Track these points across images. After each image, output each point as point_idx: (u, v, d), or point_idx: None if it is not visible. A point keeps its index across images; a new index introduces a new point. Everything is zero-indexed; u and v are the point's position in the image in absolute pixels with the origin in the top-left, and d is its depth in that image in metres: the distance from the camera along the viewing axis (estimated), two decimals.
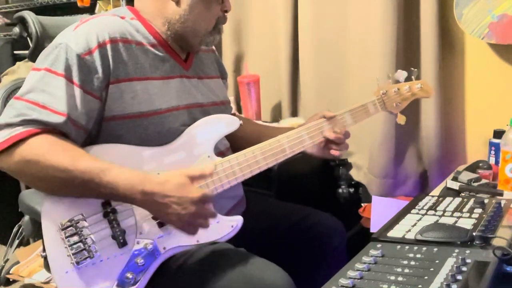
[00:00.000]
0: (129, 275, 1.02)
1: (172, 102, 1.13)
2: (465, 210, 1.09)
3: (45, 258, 1.03)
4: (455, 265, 0.80)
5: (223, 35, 1.27)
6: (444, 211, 1.10)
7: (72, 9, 2.63)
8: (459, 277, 0.76)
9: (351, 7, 1.92)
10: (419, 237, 0.94)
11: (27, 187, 1.64)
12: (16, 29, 1.80)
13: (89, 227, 1.02)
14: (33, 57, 1.58)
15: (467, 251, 0.86)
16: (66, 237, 1.00)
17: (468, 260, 0.82)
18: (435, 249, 0.88)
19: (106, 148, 1.07)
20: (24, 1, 2.89)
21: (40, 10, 2.69)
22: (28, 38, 1.66)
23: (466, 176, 1.45)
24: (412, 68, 1.39)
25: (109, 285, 1.01)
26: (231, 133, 1.18)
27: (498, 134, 1.58)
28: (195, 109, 1.18)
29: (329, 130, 1.27)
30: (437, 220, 1.05)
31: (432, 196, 1.24)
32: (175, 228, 1.04)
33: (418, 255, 0.87)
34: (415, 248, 0.90)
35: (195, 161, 1.11)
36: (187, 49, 1.22)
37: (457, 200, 1.17)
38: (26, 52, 1.71)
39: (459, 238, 0.91)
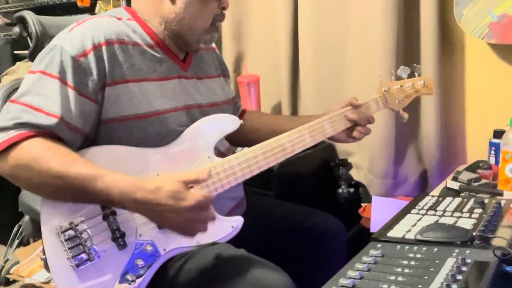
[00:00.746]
0: (129, 277, 1.02)
1: (170, 103, 1.13)
2: (465, 210, 1.09)
3: (45, 260, 1.03)
4: (455, 265, 0.80)
5: (223, 35, 1.27)
6: (444, 211, 1.10)
7: (72, 9, 2.63)
8: (459, 277, 0.76)
9: (351, 7, 1.92)
10: (419, 237, 0.94)
11: None
12: (16, 29, 1.80)
13: (89, 230, 1.01)
14: (33, 57, 1.56)
15: (467, 251, 0.86)
16: (66, 240, 1.00)
17: (468, 260, 0.82)
18: (435, 249, 0.88)
19: (104, 150, 1.07)
20: (24, 1, 2.89)
21: (40, 10, 2.69)
22: (28, 38, 1.66)
23: (466, 176, 1.45)
24: (415, 64, 1.38)
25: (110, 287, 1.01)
26: (244, 128, 1.17)
27: (498, 134, 1.58)
28: (194, 110, 1.18)
29: (352, 112, 1.29)
30: (437, 220, 1.05)
31: (432, 196, 1.24)
32: (174, 232, 1.03)
33: (418, 255, 0.87)
34: (415, 248, 0.90)
35: (195, 161, 1.11)
36: (185, 48, 1.21)
37: (457, 200, 1.17)
38: (26, 52, 1.71)
39: (459, 238, 0.91)
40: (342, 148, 2.06)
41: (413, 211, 1.13)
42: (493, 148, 1.63)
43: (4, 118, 0.99)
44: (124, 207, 1.01)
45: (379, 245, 0.92)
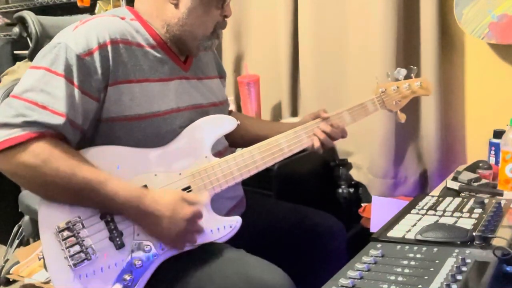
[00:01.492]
0: (127, 277, 1.02)
1: (171, 104, 1.13)
2: (465, 210, 1.09)
3: (44, 259, 1.03)
4: (455, 265, 0.80)
5: (223, 35, 1.27)
6: (444, 211, 1.10)
7: (72, 9, 2.63)
8: (459, 277, 0.76)
9: (351, 7, 1.92)
10: (419, 237, 0.94)
11: None
12: (16, 29, 1.80)
13: (86, 229, 1.01)
14: (33, 57, 1.56)
15: (467, 251, 0.86)
16: (63, 240, 0.99)
17: (468, 260, 0.82)
18: (435, 249, 0.88)
19: (104, 150, 1.06)
20: (24, 1, 2.89)
21: (40, 10, 2.69)
22: (28, 38, 1.66)
23: (466, 176, 1.45)
24: (412, 66, 1.39)
25: (107, 287, 1.01)
26: (232, 132, 1.18)
27: (498, 134, 1.58)
28: (195, 110, 1.18)
29: (325, 124, 1.28)
30: (437, 220, 1.05)
31: (432, 196, 1.24)
32: (163, 244, 1.05)
33: (418, 255, 0.87)
34: (415, 248, 0.90)
35: (192, 162, 1.11)
36: (186, 52, 1.22)
37: (457, 200, 1.17)
38: (26, 52, 1.70)
39: (459, 238, 0.91)
40: (342, 148, 2.06)
41: (413, 211, 1.12)
42: (493, 148, 1.63)
43: (7, 113, 0.97)
44: (125, 213, 1.02)
45: (379, 245, 0.92)
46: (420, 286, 0.75)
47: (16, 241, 2.36)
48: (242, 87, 2.15)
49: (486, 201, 1.12)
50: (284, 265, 1.06)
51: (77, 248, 1.00)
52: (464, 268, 0.79)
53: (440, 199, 1.20)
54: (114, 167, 1.05)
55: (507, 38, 1.62)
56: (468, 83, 1.81)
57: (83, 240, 1.00)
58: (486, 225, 0.97)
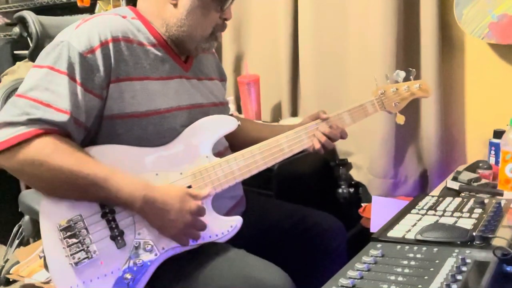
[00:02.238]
0: (128, 276, 1.02)
1: (172, 102, 1.13)
2: (465, 210, 1.09)
3: (45, 258, 1.03)
4: (455, 265, 0.80)
5: (223, 35, 1.27)
6: (444, 211, 1.10)
7: (72, 9, 2.63)
8: (459, 277, 0.76)
9: (351, 7, 1.92)
10: (419, 237, 0.94)
11: (27, 187, 1.64)
12: (16, 29, 1.81)
13: (88, 228, 1.02)
14: (33, 57, 1.58)
15: (467, 251, 0.86)
16: (65, 238, 1.00)
17: (468, 260, 0.82)
18: (435, 249, 0.88)
19: (105, 149, 1.07)
20: (24, 1, 2.89)
21: (40, 10, 2.69)
22: (28, 38, 1.66)
23: (466, 176, 1.45)
24: (410, 68, 1.40)
25: (108, 286, 1.01)
26: (231, 133, 1.18)
27: (498, 134, 1.58)
28: (195, 110, 1.18)
29: (325, 125, 1.28)
30: (437, 220, 1.05)
31: (432, 196, 1.24)
32: (167, 237, 1.05)
33: (418, 255, 0.87)
34: (415, 248, 0.90)
35: (193, 161, 1.12)
36: (184, 53, 1.22)
37: (457, 200, 1.17)
38: (26, 52, 1.71)
39: (459, 238, 0.91)
40: (342, 148, 2.06)
41: (413, 211, 1.12)
42: (493, 148, 1.63)
43: (12, 113, 0.99)
44: (131, 206, 1.02)
45: (379, 245, 0.92)
46: (420, 286, 0.75)
47: (16, 241, 2.36)
48: (242, 87, 2.15)
49: (486, 201, 1.12)
50: (284, 265, 1.06)
51: (78, 246, 1.00)
52: (464, 268, 0.79)
53: (440, 199, 1.20)
54: (117, 166, 1.05)
55: (507, 38, 1.62)
56: (468, 83, 1.81)
57: (84, 239, 1.01)
58: (486, 225, 0.97)
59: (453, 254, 0.85)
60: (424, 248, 0.89)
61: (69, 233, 1.00)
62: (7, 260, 2.40)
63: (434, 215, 1.08)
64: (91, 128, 1.07)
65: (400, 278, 0.78)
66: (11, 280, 2.40)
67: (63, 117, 1.00)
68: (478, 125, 1.81)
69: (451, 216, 1.07)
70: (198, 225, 1.06)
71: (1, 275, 2.39)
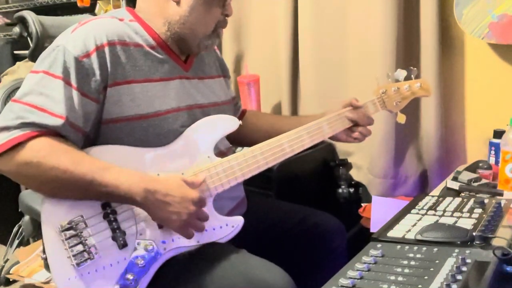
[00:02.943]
0: (130, 276, 1.02)
1: (172, 103, 1.13)
2: (465, 210, 1.09)
3: (45, 259, 1.03)
4: (455, 265, 0.80)
5: (223, 35, 1.27)
6: (444, 211, 1.10)
7: (72, 9, 2.63)
8: (459, 277, 0.76)
9: (351, 7, 1.92)
10: (419, 237, 0.94)
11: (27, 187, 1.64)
12: (16, 29, 1.80)
13: (89, 229, 1.02)
14: (33, 57, 1.58)
15: (467, 251, 0.86)
16: (66, 239, 1.00)
17: (468, 260, 0.82)
18: (435, 249, 0.88)
19: (105, 150, 1.07)
20: (24, 1, 2.89)
21: (40, 10, 2.68)
22: (28, 38, 1.66)
23: (466, 176, 1.45)
24: (412, 67, 1.40)
25: (110, 287, 1.01)
26: (252, 129, 1.18)
27: (498, 134, 1.58)
28: (196, 110, 1.18)
29: (352, 112, 1.31)
30: (437, 220, 1.05)
31: (432, 196, 1.24)
32: (172, 229, 1.05)
33: (418, 255, 0.87)
34: (415, 248, 0.90)
35: (194, 161, 1.12)
36: (186, 51, 1.22)
37: (457, 200, 1.17)
38: (26, 52, 1.71)
39: (459, 238, 0.91)
40: (342, 148, 2.06)
41: (413, 211, 1.13)
42: (493, 148, 1.63)
43: (7, 117, 0.99)
44: (132, 199, 1.01)
45: (379, 245, 0.92)
46: (420, 286, 0.75)
47: (16, 241, 2.36)
48: (242, 87, 2.15)
49: (486, 201, 1.12)
50: (285, 265, 1.06)
51: (80, 247, 1.00)
52: (464, 268, 0.79)
53: (440, 199, 1.20)
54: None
55: (507, 38, 1.62)
56: (468, 83, 1.81)
57: (86, 240, 1.01)
58: (486, 225, 0.97)
59: (453, 254, 0.86)
60: (424, 248, 0.89)
61: (70, 234, 1.00)
62: (7, 260, 2.40)
63: (434, 215, 1.08)
64: (89, 133, 1.07)
65: (400, 278, 0.78)
66: (11, 280, 2.40)
67: (57, 122, 1.00)
68: (478, 125, 1.81)
69: (451, 216, 1.07)
70: (201, 216, 1.06)
71: (1, 275, 2.39)
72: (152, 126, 1.09)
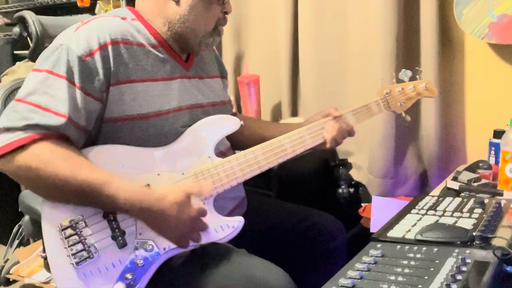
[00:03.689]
0: (129, 276, 1.02)
1: (173, 103, 1.13)
2: (465, 210, 1.09)
3: (45, 258, 1.03)
4: (455, 265, 0.80)
5: (223, 35, 1.27)
6: (444, 211, 1.10)
7: (72, 9, 2.63)
8: (459, 277, 0.76)
9: (351, 7, 1.92)
10: (419, 237, 0.94)
11: None
12: (16, 29, 1.80)
13: (89, 228, 1.02)
14: (33, 57, 1.58)
15: (467, 251, 0.86)
16: (66, 238, 1.00)
17: (468, 260, 0.82)
18: (435, 249, 0.88)
19: (106, 149, 1.07)
20: (24, 1, 2.89)
21: (40, 10, 2.69)
22: (28, 38, 1.66)
23: (466, 176, 1.45)
24: (417, 68, 1.39)
25: (109, 286, 1.01)
26: (234, 133, 1.18)
27: (498, 134, 1.58)
28: (196, 110, 1.18)
29: (332, 127, 1.28)
30: (437, 220, 1.05)
31: (432, 196, 1.24)
32: (169, 240, 1.05)
33: (418, 255, 0.87)
34: (415, 248, 0.90)
35: (195, 161, 1.12)
36: (187, 50, 1.22)
37: (457, 200, 1.17)
38: (26, 52, 1.70)
39: (459, 238, 0.91)
40: (342, 148, 2.06)
41: (413, 211, 1.12)
42: (493, 148, 1.63)
43: (12, 117, 0.99)
44: (128, 213, 1.03)
45: (379, 245, 0.92)
46: (420, 286, 0.75)
47: (16, 241, 2.36)
48: (242, 87, 2.15)
49: (486, 201, 1.12)
50: (285, 265, 1.06)
51: (79, 246, 1.00)
52: (464, 268, 0.79)
53: (440, 199, 1.20)
54: (119, 166, 1.05)
55: (507, 38, 1.62)
56: (468, 83, 1.81)
57: (86, 239, 1.01)
58: (486, 225, 0.97)
59: (453, 254, 0.86)
60: (424, 248, 0.89)
61: (70, 233, 1.00)
62: (7, 260, 2.40)
63: (434, 215, 1.08)
64: (92, 131, 1.07)
65: (400, 278, 0.78)
66: (11, 280, 2.40)
67: (59, 121, 1.00)
68: (478, 125, 1.81)
69: (451, 216, 1.07)
70: (199, 227, 1.06)
71: (1, 275, 2.39)
72: (153, 126, 1.09)
